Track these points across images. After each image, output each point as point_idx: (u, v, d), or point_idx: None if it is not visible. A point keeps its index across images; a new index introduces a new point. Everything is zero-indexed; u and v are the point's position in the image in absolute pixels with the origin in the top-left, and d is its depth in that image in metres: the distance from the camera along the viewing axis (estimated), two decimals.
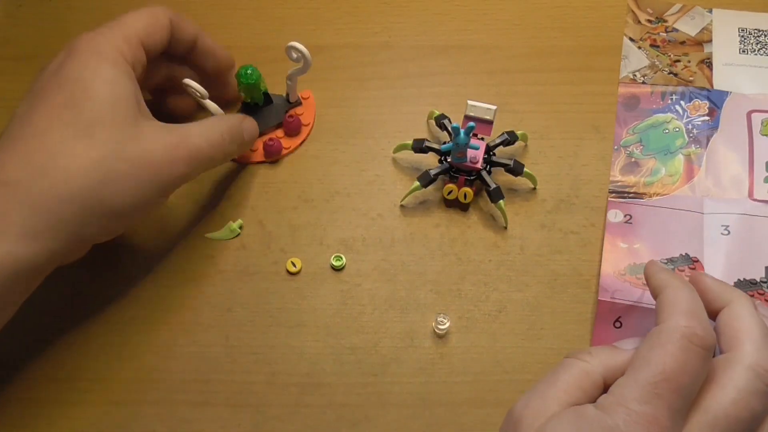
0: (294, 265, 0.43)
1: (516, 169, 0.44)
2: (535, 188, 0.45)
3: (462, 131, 0.41)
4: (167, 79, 0.44)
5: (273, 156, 0.46)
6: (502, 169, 0.44)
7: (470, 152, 0.43)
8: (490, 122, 0.43)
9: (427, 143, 0.45)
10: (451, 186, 0.44)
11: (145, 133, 0.37)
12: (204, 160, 0.39)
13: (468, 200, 0.44)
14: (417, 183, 0.44)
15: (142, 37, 0.39)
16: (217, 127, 0.40)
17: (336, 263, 0.43)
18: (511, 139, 0.45)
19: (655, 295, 0.34)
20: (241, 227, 0.44)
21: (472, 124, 0.41)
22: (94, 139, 0.35)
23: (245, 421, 0.40)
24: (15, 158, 0.35)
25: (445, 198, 0.44)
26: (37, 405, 0.40)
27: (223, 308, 0.42)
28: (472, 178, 0.44)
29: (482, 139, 0.44)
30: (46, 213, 0.34)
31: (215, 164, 0.41)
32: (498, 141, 0.45)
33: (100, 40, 0.38)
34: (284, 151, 0.47)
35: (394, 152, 0.46)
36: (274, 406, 0.40)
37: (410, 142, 0.45)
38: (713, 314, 0.33)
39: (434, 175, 0.44)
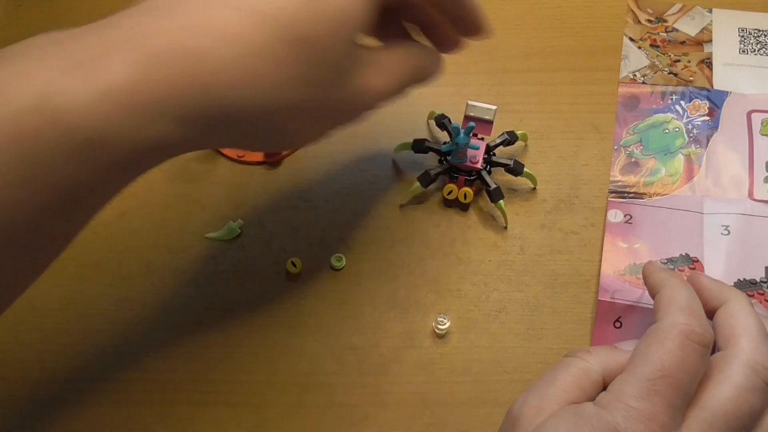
0: (294, 265, 0.43)
1: (516, 169, 0.44)
2: (535, 188, 0.45)
3: (462, 131, 0.41)
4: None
5: (273, 156, 0.46)
6: (502, 169, 0.44)
7: (470, 152, 0.43)
8: (490, 122, 0.43)
9: (427, 143, 0.45)
10: (451, 186, 0.44)
11: (350, 77, 0.31)
12: (384, 101, 0.33)
13: (468, 200, 0.44)
14: (417, 183, 0.44)
15: None
16: (407, 66, 0.34)
17: (336, 263, 0.43)
18: (511, 139, 0.45)
19: (652, 294, 0.34)
20: (241, 227, 0.44)
21: (472, 124, 0.41)
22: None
23: (245, 421, 0.40)
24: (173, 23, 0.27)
25: (445, 198, 0.44)
26: (38, 405, 0.40)
27: (223, 308, 0.42)
28: (472, 178, 0.44)
29: (482, 139, 0.44)
30: (216, 111, 0.28)
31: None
32: (498, 141, 0.45)
33: None
34: (284, 152, 0.47)
35: (395, 152, 0.46)
36: (274, 406, 0.40)
37: (410, 142, 0.45)
38: (710, 313, 0.33)
39: (434, 175, 0.44)
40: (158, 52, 0.26)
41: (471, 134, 0.42)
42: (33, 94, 0.25)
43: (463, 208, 0.45)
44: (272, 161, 0.47)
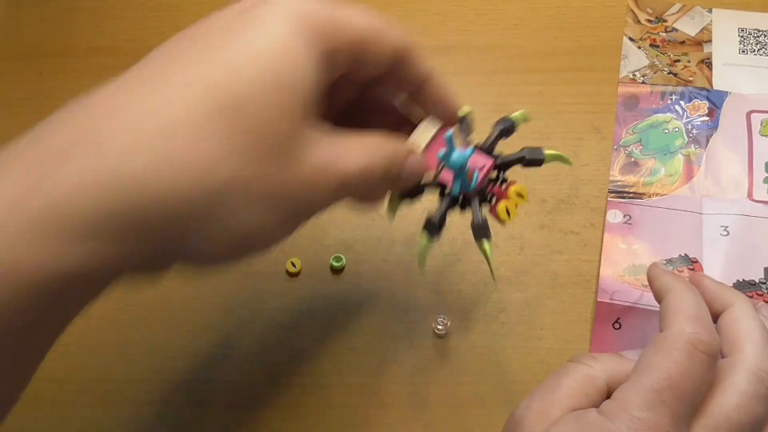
0: (294, 265, 0.43)
1: (534, 157, 0.34)
2: (569, 163, 0.37)
3: (456, 157, 0.32)
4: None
5: None
6: (519, 166, 0.35)
7: (474, 165, 0.33)
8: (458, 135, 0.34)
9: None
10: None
11: (302, 150, 0.26)
12: (350, 189, 0.28)
13: (512, 214, 0.35)
14: (425, 240, 0.34)
15: (366, 35, 0.28)
16: (377, 151, 0.29)
17: (336, 263, 0.43)
18: (507, 127, 0.35)
19: (658, 299, 0.33)
20: None
21: (468, 151, 0.32)
22: (238, 143, 0.25)
23: (245, 421, 0.40)
24: (110, 122, 0.24)
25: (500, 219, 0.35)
26: (37, 405, 0.40)
27: (223, 308, 0.42)
28: (498, 175, 0.35)
29: (478, 147, 0.34)
30: (128, 220, 0.24)
31: (361, 197, 0.31)
32: (492, 138, 0.34)
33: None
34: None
35: (389, 211, 0.36)
36: (274, 406, 0.40)
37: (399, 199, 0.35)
38: (712, 317, 0.33)
39: (441, 217, 0.34)
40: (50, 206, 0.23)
41: (469, 157, 0.32)
42: None
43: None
44: None
